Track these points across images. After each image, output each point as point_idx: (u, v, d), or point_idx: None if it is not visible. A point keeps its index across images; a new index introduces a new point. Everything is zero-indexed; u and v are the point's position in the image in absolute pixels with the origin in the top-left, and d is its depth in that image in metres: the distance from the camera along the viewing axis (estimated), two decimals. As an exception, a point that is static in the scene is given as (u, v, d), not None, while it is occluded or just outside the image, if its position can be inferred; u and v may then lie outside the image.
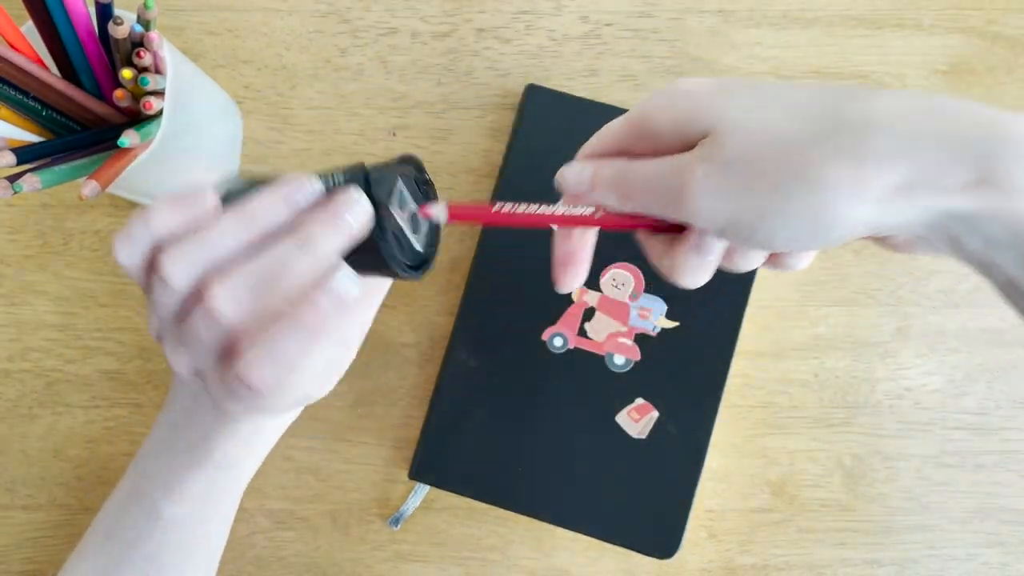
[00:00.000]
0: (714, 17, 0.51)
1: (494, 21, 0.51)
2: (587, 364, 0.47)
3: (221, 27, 0.51)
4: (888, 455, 0.49)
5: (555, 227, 0.34)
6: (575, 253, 0.34)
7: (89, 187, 0.36)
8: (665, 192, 0.29)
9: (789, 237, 0.27)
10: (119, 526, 0.39)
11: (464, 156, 0.51)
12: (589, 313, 0.47)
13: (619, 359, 0.47)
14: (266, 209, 0.29)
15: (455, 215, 0.32)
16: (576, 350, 0.47)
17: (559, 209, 0.32)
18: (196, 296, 0.29)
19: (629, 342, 0.47)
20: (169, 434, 0.38)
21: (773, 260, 0.32)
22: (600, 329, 0.47)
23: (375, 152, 0.50)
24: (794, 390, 0.49)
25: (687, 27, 0.51)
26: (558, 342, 0.47)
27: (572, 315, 0.47)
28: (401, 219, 0.31)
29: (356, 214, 0.29)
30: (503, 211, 0.32)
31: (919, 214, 0.26)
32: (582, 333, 0.47)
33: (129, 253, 0.29)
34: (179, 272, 0.28)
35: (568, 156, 0.48)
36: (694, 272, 0.31)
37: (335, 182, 0.30)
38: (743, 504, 0.49)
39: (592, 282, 0.48)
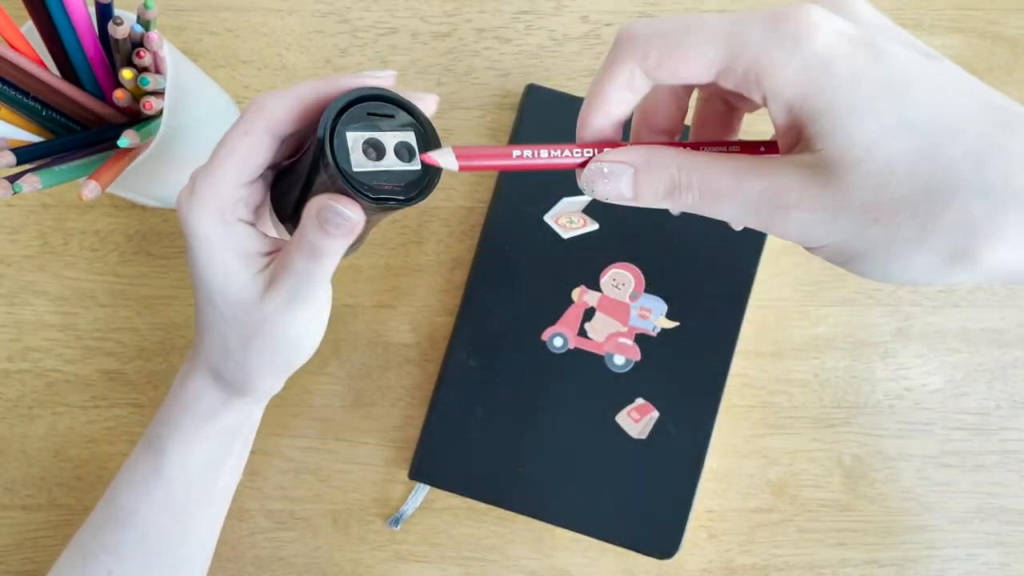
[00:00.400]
0: (714, 17, 0.51)
1: (494, 21, 0.51)
2: (587, 364, 0.47)
3: (221, 27, 0.51)
4: (888, 455, 0.49)
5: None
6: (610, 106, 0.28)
7: (89, 187, 0.36)
8: (753, 211, 0.24)
9: (890, 278, 0.25)
10: (96, 511, 0.39)
11: (464, 156, 0.51)
12: (589, 313, 0.47)
13: (619, 359, 0.47)
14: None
15: (465, 163, 0.28)
16: (576, 350, 0.47)
17: (577, 151, 0.28)
18: None
19: (629, 342, 0.47)
20: (167, 399, 0.38)
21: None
22: (600, 329, 0.47)
23: (375, 152, 0.50)
24: (794, 390, 0.49)
25: (687, 27, 0.51)
26: (558, 342, 0.47)
27: (572, 315, 0.47)
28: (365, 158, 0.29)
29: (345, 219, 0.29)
30: (518, 158, 0.28)
31: None
32: (582, 333, 0.47)
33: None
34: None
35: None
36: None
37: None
38: (743, 504, 0.49)
39: (592, 282, 0.48)
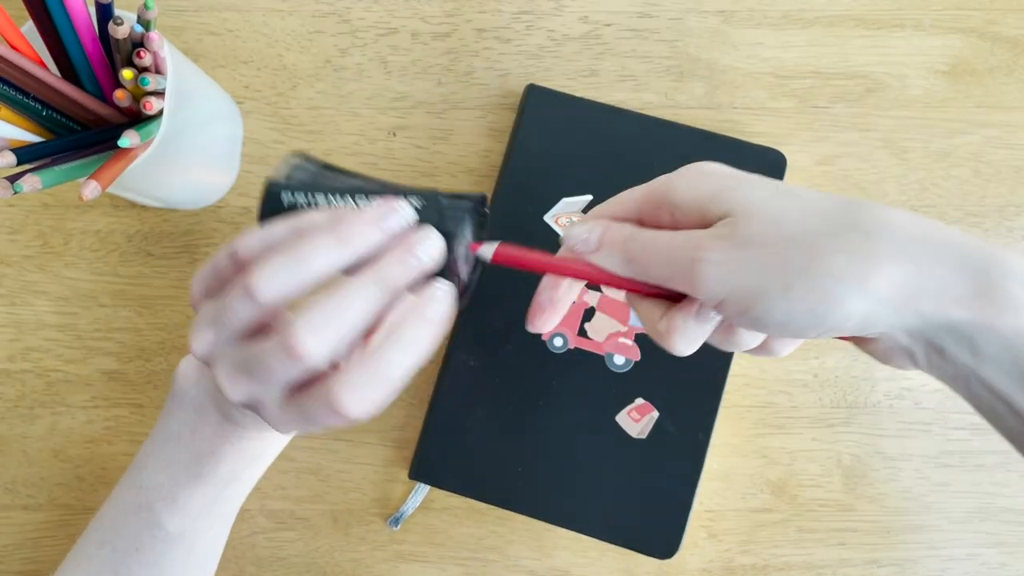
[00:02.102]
0: (714, 17, 0.51)
1: (494, 21, 0.51)
2: (587, 364, 0.47)
3: (221, 27, 0.51)
4: (888, 455, 0.49)
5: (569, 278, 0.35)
6: (558, 302, 0.36)
7: (90, 187, 0.36)
8: (675, 262, 0.30)
9: (785, 319, 0.29)
10: (118, 537, 0.39)
11: (464, 156, 0.51)
12: (589, 313, 0.47)
13: (619, 359, 0.47)
14: (361, 235, 0.30)
15: (499, 258, 0.33)
16: (576, 350, 0.47)
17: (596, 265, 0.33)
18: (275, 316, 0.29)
19: (629, 342, 0.47)
20: (171, 447, 0.37)
21: (758, 347, 0.34)
22: (600, 329, 0.47)
23: (375, 152, 0.51)
24: (794, 390, 0.49)
25: (687, 27, 0.51)
26: (558, 342, 0.47)
27: (572, 315, 0.47)
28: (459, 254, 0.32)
29: (429, 252, 0.30)
30: (547, 262, 0.33)
31: (913, 320, 0.28)
32: (582, 333, 0.47)
33: (278, 286, 0.29)
34: (272, 292, 0.28)
35: (568, 156, 0.48)
36: (689, 340, 0.32)
37: (416, 208, 0.31)
38: (743, 504, 0.49)
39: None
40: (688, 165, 0.32)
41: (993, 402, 0.29)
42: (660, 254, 0.31)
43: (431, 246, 0.31)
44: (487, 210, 0.34)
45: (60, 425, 0.49)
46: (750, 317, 0.29)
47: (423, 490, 0.48)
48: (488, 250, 0.33)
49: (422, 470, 0.47)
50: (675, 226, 0.32)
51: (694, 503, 0.46)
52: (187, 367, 0.38)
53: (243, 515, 0.49)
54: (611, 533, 0.47)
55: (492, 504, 0.47)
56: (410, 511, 0.48)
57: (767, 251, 0.28)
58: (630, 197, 0.34)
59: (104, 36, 0.39)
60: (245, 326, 0.29)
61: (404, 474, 0.49)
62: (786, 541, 0.49)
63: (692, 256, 0.29)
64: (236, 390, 0.30)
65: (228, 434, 0.36)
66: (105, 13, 0.38)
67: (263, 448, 0.38)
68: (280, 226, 0.31)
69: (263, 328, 0.30)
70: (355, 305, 0.29)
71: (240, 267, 0.30)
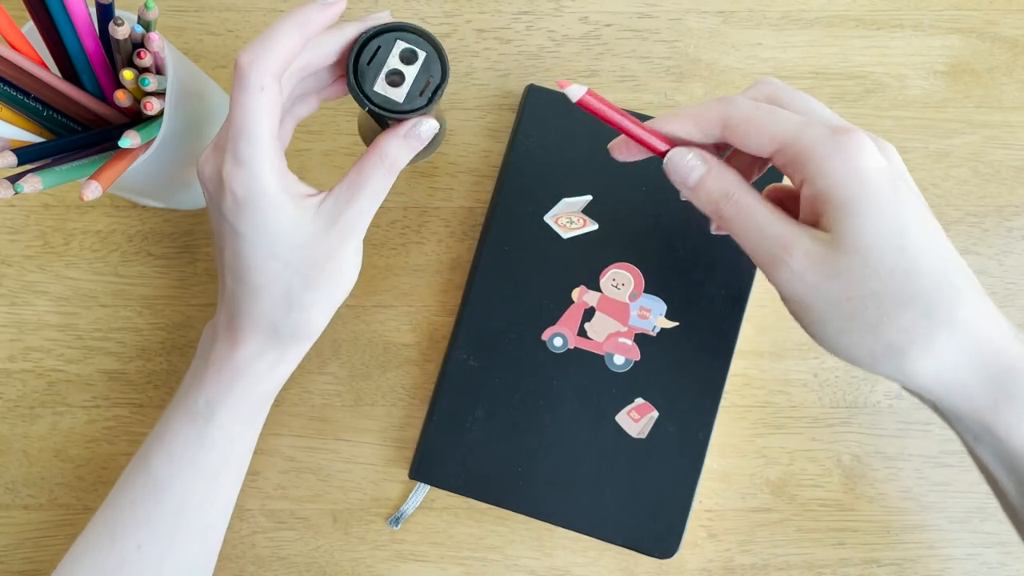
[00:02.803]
0: (714, 18, 0.51)
1: (494, 21, 0.51)
2: (587, 364, 0.47)
3: (221, 27, 0.51)
4: (887, 455, 0.49)
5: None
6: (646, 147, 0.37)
7: (90, 188, 0.36)
8: (761, 247, 0.32)
9: (825, 345, 0.33)
10: (117, 493, 0.39)
11: (464, 156, 0.51)
12: (589, 313, 0.47)
13: (619, 359, 0.47)
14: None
15: (584, 104, 0.35)
16: (576, 350, 0.47)
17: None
18: None
19: (629, 342, 0.47)
20: (173, 399, 0.39)
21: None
22: (600, 329, 0.47)
23: (375, 152, 0.51)
24: (793, 390, 0.49)
25: (687, 27, 0.51)
26: (558, 342, 0.47)
27: (572, 315, 0.48)
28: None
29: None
30: (628, 128, 0.35)
31: (931, 398, 0.33)
32: (582, 333, 0.47)
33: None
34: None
35: (568, 156, 0.48)
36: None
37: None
38: (743, 504, 0.49)
39: (592, 282, 0.48)
40: (847, 140, 0.31)
41: (988, 476, 0.35)
42: (751, 232, 0.32)
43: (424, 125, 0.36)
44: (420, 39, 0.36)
45: (60, 425, 0.49)
46: (801, 323, 0.33)
47: (423, 490, 0.48)
48: (576, 91, 0.34)
49: (422, 470, 0.47)
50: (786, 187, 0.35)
51: (694, 503, 0.46)
52: (205, 330, 0.40)
53: (243, 515, 0.49)
54: (611, 533, 0.47)
55: (492, 504, 0.47)
56: (410, 511, 0.48)
57: (847, 292, 0.31)
58: (767, 127, 0.32)
59: (105, 36, 0.39)
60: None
61: (404, 474, 0.49)
62: (786, 541, 0.49)
63: (778, 254, 0.31)
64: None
65: (217, 361, 0.37)
66: (106, 13, 0.38)
67: (234, 372, 0.37)
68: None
69: None
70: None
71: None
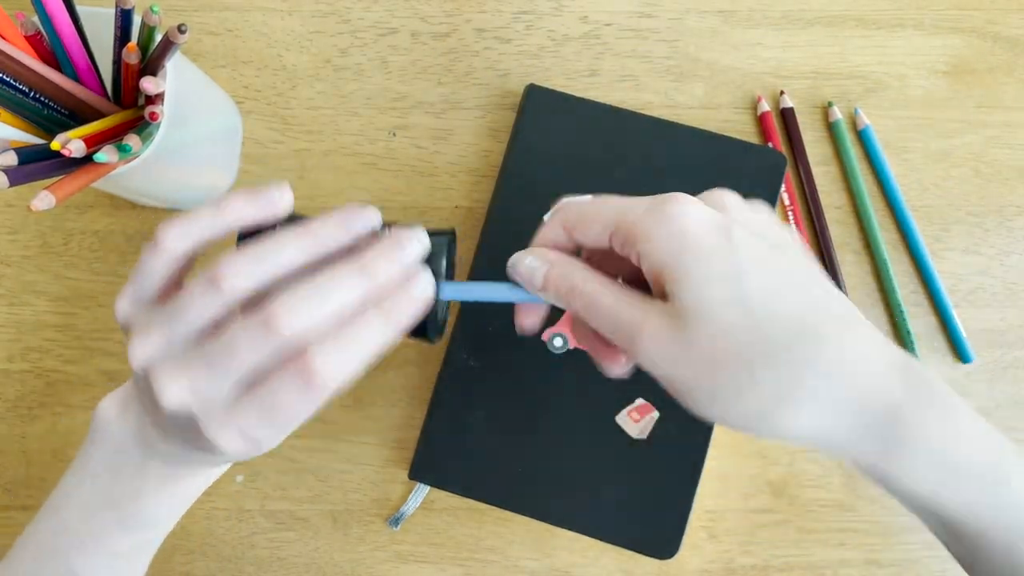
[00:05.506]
0: (714, 17, 0.51)
1: (494, 21, 0.51)
2: (587, 364, 0.47)
3: (221, 27, 0.51)
4: (888, 455, 0.49)
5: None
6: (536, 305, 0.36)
7: (41, 198, 0.34)
8: (617, 329, 0.30)
9: (705, 416, 0.30)
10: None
11: (464, 156, 0.51)
12: (589, 313, 0.47)
13: (619, 359, 0.47)
14: (328, 231, 0.29)
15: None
16: (576, 350, 0.47)
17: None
18: (254, 307, 0.27)
19: (629, 342, 0.47)
20: (88, 489, 0.35)
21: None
22: (600, 329, 0.47)
23: (375, 152, 0.50)
24: (794, 390, 0.49)
25: (687, 27, 0.51)
26: (558, 342, 0.47)
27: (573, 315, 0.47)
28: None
29: (415, 250, 0.30)
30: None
31: (824, 448, 0.30)
32: (582, 333, 0.47)
33: (181, 236, 0.29)
34: (240, 280, 0.27)
35: (568, 156, 0.48)
36: (619, 371, 0.35)
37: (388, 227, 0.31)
38: (743, 504, 0.49)
39: (592, 282, 0.47)
40: (665, 206, 0.30)
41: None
42: (603, 320, 0.31)
43: (417, 243, 0.30)
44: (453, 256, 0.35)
45: (59, 426, 0.49)
46: (677, 398, 0.30)
47: (423, 490, 0.48)
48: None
49: (422, 470, 0.47)
50: (629, 268, 0.31)
51: (694, 503, 0.46)
52: (108, 404, 0.35)
53: (242, 515, 0.49)
54: (611, 533, 0.47)
55: (492, 504, 0.47)
56: (410, 511, 0.48)
57: (705, 359, 0.29)
58: (596, 218, 0.32)
59: (121, 38, 0.39)
60: (205, 323, 0.27)
61: (404, 474, 0.49)
62: (786, 541, 0.49)
63: (632, 336, 0.30)
64: (176, 391, 0.27)
65: (150, 473, 0.34)
66: (125, 22, 0.38)
67: (187, 488, 0.35)
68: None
69: (220, 326, 0.28)
70: (337, 288, 0.28)
71: (183, 272, 0.30)
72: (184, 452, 0.32)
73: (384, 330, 0.28)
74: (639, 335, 0.29)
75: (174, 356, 0.28)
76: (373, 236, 0.30)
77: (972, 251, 0.50)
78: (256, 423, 0.28)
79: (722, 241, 0.29)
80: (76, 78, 0.40)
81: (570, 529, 0.47)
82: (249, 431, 0.28)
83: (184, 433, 0.29)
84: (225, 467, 0.37)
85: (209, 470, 0.36)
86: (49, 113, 0.39)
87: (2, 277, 0.50)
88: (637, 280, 0.32)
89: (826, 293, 0.30)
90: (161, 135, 0.39)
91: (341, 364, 0.27)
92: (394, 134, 0.51)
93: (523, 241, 0.34)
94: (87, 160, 0.37)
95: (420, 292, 0.29)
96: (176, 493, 0.35)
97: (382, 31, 0.51)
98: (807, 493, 0.49)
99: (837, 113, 0.50)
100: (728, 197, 0.31)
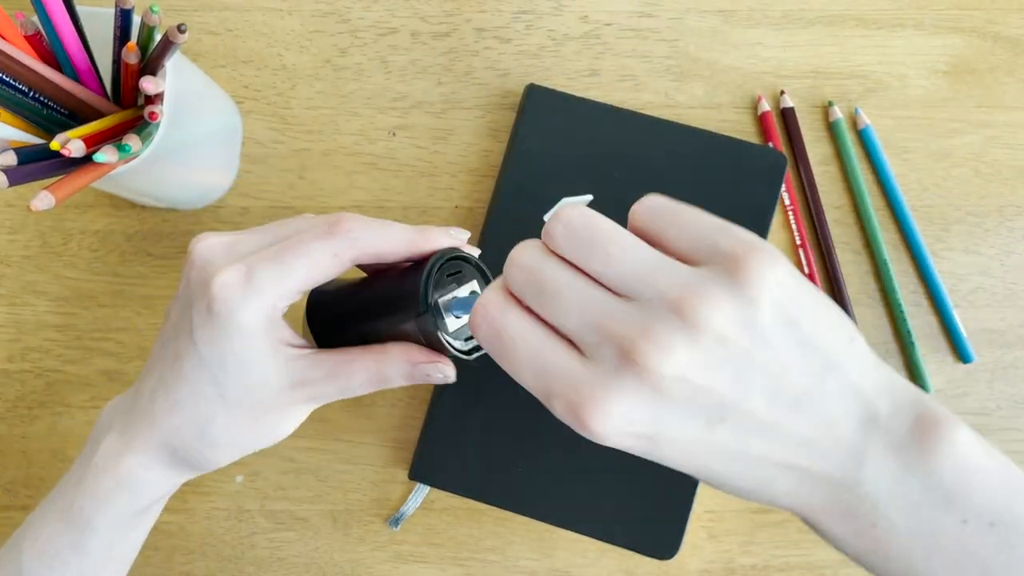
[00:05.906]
0: (714, 17, 0.51)
1: (494, 21, 0.51)
2: (587, 364, 0.47)
3: (221, 27, 0.51)
4: (888, 455, 0.49)
5: None
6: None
7: (40, 198, 0.35)
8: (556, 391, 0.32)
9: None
10: (28, 556, 0.36)
11: (464, 156, 0.51)
12: (589, 313, 0.47)
13: (619, 359, 0.47)
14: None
15: None
16: (576, 350, 0.47)
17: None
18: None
19: (629, 342, 0.47)
20: (59, 483, 0.36)
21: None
22: (600, 329, 0.47)
23: (375, 152, 0.50)
24: (794, 390, 0.49)
25: (687, 27, 0.51)
26: (558, 342, 0.47)
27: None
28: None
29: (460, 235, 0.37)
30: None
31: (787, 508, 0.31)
32: (582, 333, 0.47)
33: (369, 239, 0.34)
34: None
35: (568, 156, 0.48)
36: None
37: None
38: (743, 504, 0.49)
39: (592, 282, 0.47)
40: (762, 265, 0.28)
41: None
42: (529, 377, 0.33)
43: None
44: (483, 271, 0.37)
45: (59, 426, 0.49)
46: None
47: (423, 490, 0.48)
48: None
49: (422, 470, 0.47)
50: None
51: (694, 503, 0.46)
52: (106, 410, 0.37)
53: (242, 515, 0.49)
54: (611, 533, 0.47)
55: (492, 504, 0.47)
56: (410, 511, 0.48)
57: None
58: (695, 224, 0.31)
59: (121, 38, 0.39)
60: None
61: (404, 474, 0.49)
62: (786, 542, 0.49)
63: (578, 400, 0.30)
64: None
65: (98, 453, 0.35)
66: (125, 22, 0.38)
67: (123, 486, 0.35)
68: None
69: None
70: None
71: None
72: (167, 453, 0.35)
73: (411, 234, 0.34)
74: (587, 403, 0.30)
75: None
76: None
77: (972, 251, 0.50)
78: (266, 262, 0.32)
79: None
80: (76, 78, 0.40)
81: (570, 529, 0.47)
82: (254, 265, 0.32)
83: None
84: (171, 486, 0.36)
85: (157, 481, 0.35)
86: (49, 113, 0.39)
87: (2, 277, 0.50)
88: None
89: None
90: (161, 135, 0.39)
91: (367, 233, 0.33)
92: (394, 134, 0.51)
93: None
94: (87, 160, 0.37)
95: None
96: (121, 502, 0.35)
97: (382, 31, 0.51)
98: (807, 493, 0.49)
99: (837, 113, 0.50)
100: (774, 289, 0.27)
